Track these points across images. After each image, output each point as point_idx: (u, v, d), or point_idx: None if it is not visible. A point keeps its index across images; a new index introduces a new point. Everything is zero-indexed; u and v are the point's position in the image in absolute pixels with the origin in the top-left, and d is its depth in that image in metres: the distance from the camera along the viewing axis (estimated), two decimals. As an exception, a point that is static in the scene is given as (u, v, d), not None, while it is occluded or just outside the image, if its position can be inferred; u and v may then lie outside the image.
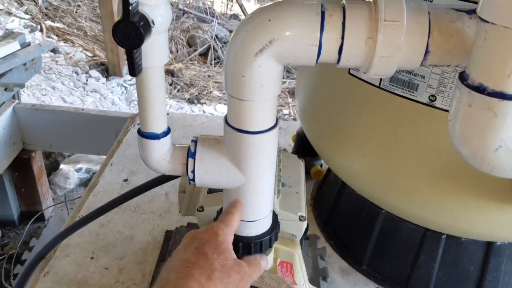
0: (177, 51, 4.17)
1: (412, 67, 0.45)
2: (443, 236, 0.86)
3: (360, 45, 0.44)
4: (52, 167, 2.28)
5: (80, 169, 2.29)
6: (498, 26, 0.38)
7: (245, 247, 0.57)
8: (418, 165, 0.73)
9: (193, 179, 0.54)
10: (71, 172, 2.24)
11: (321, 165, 1.21)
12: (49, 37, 3.83)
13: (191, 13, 4.77)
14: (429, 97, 0.66)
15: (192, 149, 0.54)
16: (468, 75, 0.42)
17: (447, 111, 0.64)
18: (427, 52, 0.44)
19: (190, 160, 0.53)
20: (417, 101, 0.68)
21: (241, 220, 0.56)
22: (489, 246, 0.86)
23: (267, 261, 0.60)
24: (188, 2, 5.08)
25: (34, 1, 4.40)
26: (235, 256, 0.54)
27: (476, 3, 0.42)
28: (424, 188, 0.75)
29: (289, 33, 0.45)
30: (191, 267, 0.50)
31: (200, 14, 4.79)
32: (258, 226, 0.58)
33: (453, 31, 0.43)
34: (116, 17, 0.43)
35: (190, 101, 3.50)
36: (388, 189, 0.82)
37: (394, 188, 0.80)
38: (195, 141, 0.54)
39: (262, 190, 0.55)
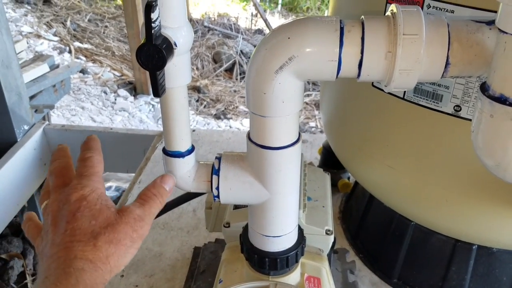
0: (203, 68, 4.21)
1: (434, 79, 0.45)
2: (473, 247, 0.85)
3: (379, 59, 0.44)
4: (83, 186, 2.32)
5: (110, 187, 2.32)
6: (517, 36, 0.38)
7: (272, 262, 0.58)
8: (445, 175, 0.72)
9: (218, 196, 0.55)
10: (102, 191, 2.27)
11: (349, 178, 1.21)
12: (77, 58, 3.93)
13: (216, 29, 4.83)
14: (454, 107, 0.65)
15: (216, 166, 0.54)
16: (489, 86, 0.42)
17: (472, 120, 0.64)
18: (447, 64, 0.44)
19: (214, 177, 0.54)
20: (442, 112, 0.67)
21: (267, 236, 0.56)
22: (522, 255, 0.84)
23: (172, 181, 0.53)
24: (213, 19, 5.15)
25: (63, 23, 4.53)
26: (114, 208, 0.47)
27: (489, 10, 0.42)
28: (452, 199, 0.74)
29: (308, 49, 0.45)
30: (70, 246, 0.43)
31: (225, 31, 4.85)
32: (284, 241, 0.58)
33: (473, 42, 0.43)
34: (141, 40, 0.44)
35: (217, 117, 3.53)
36: (416, 201, 0.81)
37: (421, 200, 0.79)
38: (219, 158, 0.55)
39: (286, 205, 0.55)
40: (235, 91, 3.94)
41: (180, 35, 0.46)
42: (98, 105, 3.22)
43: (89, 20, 4.74)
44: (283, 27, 0.47)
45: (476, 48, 0.43)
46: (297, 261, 0.60)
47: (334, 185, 1.19)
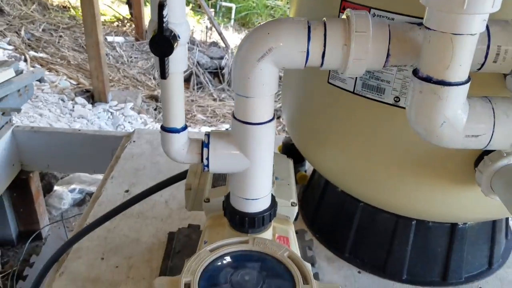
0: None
1: (378, 67, 0.59)
2: (413, 222, 0.98)
3: (338, 51, 0.58)
4: (46, 189, 2.35)
5: (74, 189, 2.37)
6: (437, 31, 0.52)
7: (250, 221, 0.69)
8: (387, 155, 0.86)
9: (207, 165, 0.66)
10: (65, 193, 2.31)
11: (305, 171, 1.34)
12: (33, 66, 3.92)
13: (171, 41, 4.92)
14: (394, 98, 0.79)
15: (206, 141, 0.66)
16: (419, 70, 0.56)
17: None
18: (388, 55, 0.58)
19: (205, 149, 0.66)
20: (384, 102, 0.81)
21: (247, 199, 0.68)
22: (452, 228, 0.98)
23: None
24: (168, 31, 5.23)
25: (17, 33, 4.50)
26: None
27: (419, 17, 0.56)
28: (392, 177, 0.87)
29: (283, 43, 0.58)
30: None
31: (180, 43, 4.95)
32: (261, 204, 0.69)
33: (407, 38, 0.57)
34: (148, 35, 0.56)
35: (174, 126, 3.61)
36: (363, 180, 0.94)
37: (369, 179, 0.92)
38: (208, 135, 0.67)
39: (263, 172, 0.67)
40: (192, 100, 4.03)
41: (181, 30, 0.58)
42: (56, 112, 3.23)
43: (43, 30, 4.72)
44: (263, 26, 0.60)
45: (409, 42, 0.57)
46: (270, 221, 0.71)
47: (292, 177, 1.33)
